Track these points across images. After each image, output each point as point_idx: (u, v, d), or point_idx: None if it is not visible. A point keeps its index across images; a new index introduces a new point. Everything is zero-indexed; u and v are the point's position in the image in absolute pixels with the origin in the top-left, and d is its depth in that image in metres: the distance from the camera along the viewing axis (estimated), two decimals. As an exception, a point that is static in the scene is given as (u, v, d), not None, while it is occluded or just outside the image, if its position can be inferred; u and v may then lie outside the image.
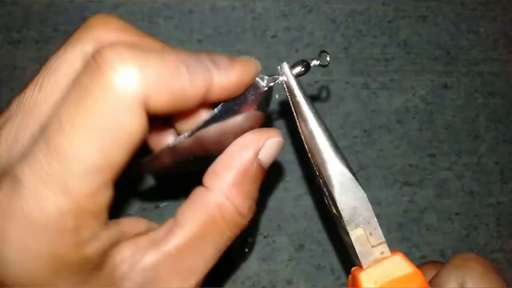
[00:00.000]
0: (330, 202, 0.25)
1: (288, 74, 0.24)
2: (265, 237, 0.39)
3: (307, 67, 0.25)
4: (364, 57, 0.42)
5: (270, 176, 0.40)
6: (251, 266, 0.39)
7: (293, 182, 0.40)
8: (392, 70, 0.42)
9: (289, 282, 0.39)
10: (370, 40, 0.42)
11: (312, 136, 0.24)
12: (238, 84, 0.22)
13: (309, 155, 0.25)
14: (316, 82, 0.41)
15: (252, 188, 0.23)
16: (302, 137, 0.25)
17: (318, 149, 0.24)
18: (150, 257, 0.22)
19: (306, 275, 0.39)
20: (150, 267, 0.22)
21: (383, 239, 0.24)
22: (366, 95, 0.42)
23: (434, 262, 0.30)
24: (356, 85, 0.42)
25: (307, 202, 0.40)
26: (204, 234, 0.23)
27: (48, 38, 0.38)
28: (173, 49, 0.22)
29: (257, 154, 0.23)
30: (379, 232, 0.24)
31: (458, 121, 0.43)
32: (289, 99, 0.24)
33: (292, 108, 0.25)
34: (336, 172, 0.24)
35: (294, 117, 0.25)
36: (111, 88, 0.19)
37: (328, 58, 0.25)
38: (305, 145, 0.25)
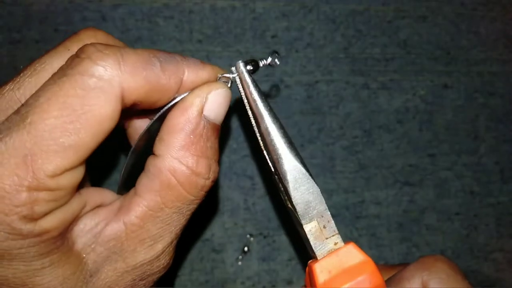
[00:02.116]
0: (286, 197, 0.25)
1: (243, 72, 0.24)
2: (265, 237, 0.39)
3: (256, 66, 0.25)
4: (364, 57, 0.42)
5: (269, 176, 0.40)
6: (251, 266, 0.39)
7: (293, 182, 0.40)
8: (392, 70, 0.42)
9: (289, 282, 0.39)
10: (370, 40, 0.42)
11: (267, 133, 0.24)
12: (207, 81, 0.24)
13: (265, 151, 0.25)
14: (316, 82, 0.41)
15: (205, 146, 0.23)
16: (257, 134, 0.25)
17: (273, 146, 0.24)
18: (112, 228, 0.23)
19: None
20: (113, 237, 0.23)
21: (336, 231, 0.25)
22: (366, 95, 0.42)
23: (399, 265, 0.31)
24: (356, 85, 0.42)
25: (307, 202, 0.40)
26: (163, 201, 0.23)
27: (48, 38, 0.38)
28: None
29: (201, 111, 0.23)
30: (332, 224, 0.25)
31: (458, 121, 0.43)
32: (244, 96, 0.25)
33: (247, 106, 0.25)
34: (291, 167, 0.24)
35: (249, 114, 0.25)
36: (89, 74, 0.20)
37: (277, 60, 0.25)
38: (260, 142, 0.25)
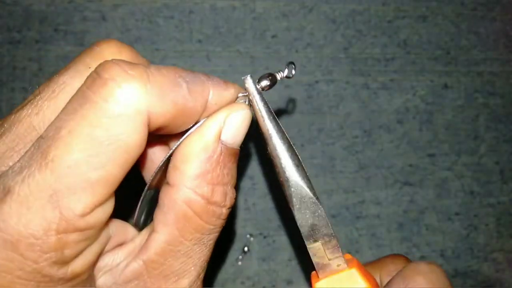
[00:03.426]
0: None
1: (252, 89, 0.23)
2: (265, 237, 0.39)
3: (274, 80, 0.24)
4: (364, 57, 0.42)
5: (270, 176, 0.40)
6: (251, 266, 0.39)
7: (293, 182, 0.40)
8: (392, 70, 0.42)
9: (289, 282, 0.39)
10: (370, 40, 0.42)
11: (275, 154, 0.24)
12: (230, 102, 0.22)
13: (275, 169, 0.25)
14: (317, 82, 0.41)
15: (222, 174, 0.21)
16: (268, 151, 0.24)
17: (280, 167, 0.24)
18: (133, 267, 0.21)
19: (306, 275, 0.39)
20: (134, 276, 0.21)
21: (341, 253, 0.25)
22: (366, 95, 0.42)
23: (398, 256, 0.30)
24: (356, 85, 0.42)
25: (307, 202, 0.40)
26: (181, 234, 0.21)
27: (48, 38, 0.38)
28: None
29: (218, 137, 0.21)
30: (337, 247, 0.25)
31: (458, 121, 0.43)
32: (254, 113, 0.24)
33: (257, 121, 0.24)
34: (297, 191, 0.24)
35: (259, 129, 0.24)
36: (114, 99, 0.18)
37: (293, 71, 0.24)
38: (272, 159, 0.25)
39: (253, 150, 0.40)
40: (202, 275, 0.23)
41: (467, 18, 0.44)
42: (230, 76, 0.39)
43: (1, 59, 0.37)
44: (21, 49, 0.38)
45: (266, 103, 0.23)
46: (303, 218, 0.25)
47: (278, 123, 0.23)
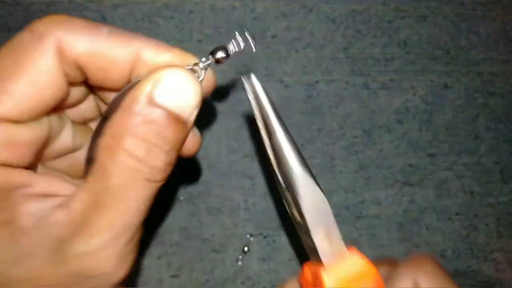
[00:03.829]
0: (292, 207, 0.26)
1: (257, 85, 0.23)
2: (265, 237, 0.39)
3: (227, 53, 0.23)
4: (364, 57, 0.42)
5: (269, 176, 0.40)
6: (251, 266, 0.39)
7: (293, 182, 0.40)
8: (392, 70, 0.42)
9: (289, 282, 0.39)
10: (370, 40, 0.42)
11: (280, 150, 0.24)
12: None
13: (273, 163, 0.25)
14: (316, 82, 0.41)
15: (150, 133, 0.20)
16: (266, 146, 0.24)
17: (286, 163, 0.24)
18: (55, 216, 0.20)
19: (306, 275, 0.39)
20: (54, 225, 0.20)
21: (342, 241, 0.26)
22: (366, 95, 0.42)
23: (388, 259, 0.31)
24: (356, 85, 0.42)
25: (307, 202, 0.40)
26: (104, 186, 0.20)
27: (48, 38, 0.38)
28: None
29: (149, 94, 0.20)
30: (338, 234, 0.26)
31: (458, 121, 0.43)
32: (255, 109, 0.24)
33: (258, 119, 0.24)
34: (301, 179, 0.25)
35: (258, 126, 0.24)
36: (26, 30, 0.21)
37: (251, 43, 0.23)
38: (269, 154, 0.25)
39: (253, 150, 0.40)
40: (126, 240, 0.21)
41: (467, 18, 0.44)
42: (230, 76, 0.39)
43: (1, 59, 0.37)
44: (21, 49, 0.38)
45: (270, 99, 0.23)
46: (308, 205, 0.25)
47: (282, 119, 0.24)
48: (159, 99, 0.20)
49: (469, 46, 0.44)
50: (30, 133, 0.21)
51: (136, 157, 0.20)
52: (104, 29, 0.21)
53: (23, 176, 0.21)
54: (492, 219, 0.43)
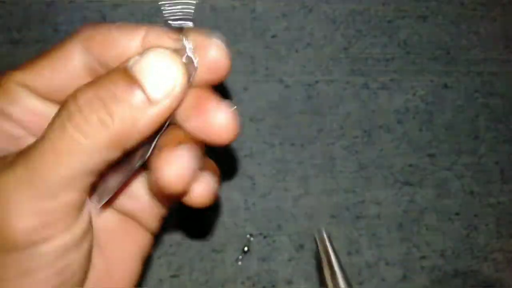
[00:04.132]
0: None
1: (326, 242, 0.27)
2: (265, 237, 0.39)
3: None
4: (364, 57, 0.42)
5: (269, 176, 0.40)
6: (251, 266, 0.39)
7: (293, 182, 0.40)
8: (392, 70, 0.42)
9: (289, 282, 0.39)
10: (370, 40, 0.42)
11: None
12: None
13: None
14: (316, 82, 0.41)
15: (112, 104, 0.19)
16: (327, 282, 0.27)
17: None
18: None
19: (306, 275, 0.39)
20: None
21: None
22: (366, 95, 0.42)
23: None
24: (356, 85, 0.42)
25: (307, 202, 0.40)
26: (55, 146, 0.19)
27: (48, 38, 0.38)
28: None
29: (126, 67, 0.20)
30: None
31: (458, 121, 0.43)
32: (322, 257, 0.27)
33: (323, 263, 0.27)
34: None
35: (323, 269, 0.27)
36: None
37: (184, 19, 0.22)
38: None
39: (253, 150, 0.40)
40: (73, 202, 0.20)
41: (467, 18, 0.44)
42: (230, 76, 0.39)
43: (1, 59, 0.37)
44: (21, 49, 0.38)
45: (337, 256, 0.27)
46: None
47: (345, 271, 0.27)
48: (134, 72, 0.20)
49: (469, 46, 0.44)
50: None
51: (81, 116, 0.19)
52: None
53: None
54: (492, 219, 0.43)
